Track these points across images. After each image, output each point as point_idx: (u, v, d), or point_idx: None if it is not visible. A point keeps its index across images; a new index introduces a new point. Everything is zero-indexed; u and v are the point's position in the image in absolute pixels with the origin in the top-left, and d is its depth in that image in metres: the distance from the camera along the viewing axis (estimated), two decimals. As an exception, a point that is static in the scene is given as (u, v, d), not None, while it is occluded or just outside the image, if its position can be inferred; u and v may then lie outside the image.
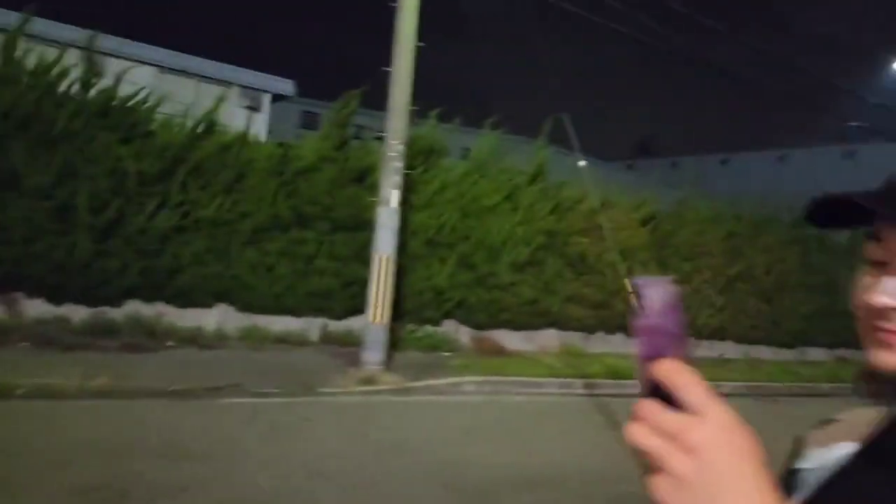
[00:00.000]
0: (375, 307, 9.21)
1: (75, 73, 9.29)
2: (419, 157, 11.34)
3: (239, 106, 17.12)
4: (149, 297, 9.51)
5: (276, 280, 10.37)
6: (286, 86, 19.22)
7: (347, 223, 10.84)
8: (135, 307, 9.45)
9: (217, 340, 9.92)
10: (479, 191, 11.95)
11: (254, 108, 17.25)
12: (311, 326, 10.81)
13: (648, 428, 0.56)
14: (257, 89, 18.36)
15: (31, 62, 8.96)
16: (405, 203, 9.84)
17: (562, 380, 10.22)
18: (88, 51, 9.45)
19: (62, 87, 9.15)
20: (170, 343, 9.35)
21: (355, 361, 9.33)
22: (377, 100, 11.51)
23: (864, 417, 0.79)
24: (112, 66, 11.18)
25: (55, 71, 9.12)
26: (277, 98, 19.26)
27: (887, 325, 0.69)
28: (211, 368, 8.42)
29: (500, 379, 9.65)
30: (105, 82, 9.56)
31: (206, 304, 10.00)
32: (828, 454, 0.78)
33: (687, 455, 0.54)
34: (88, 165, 8.91)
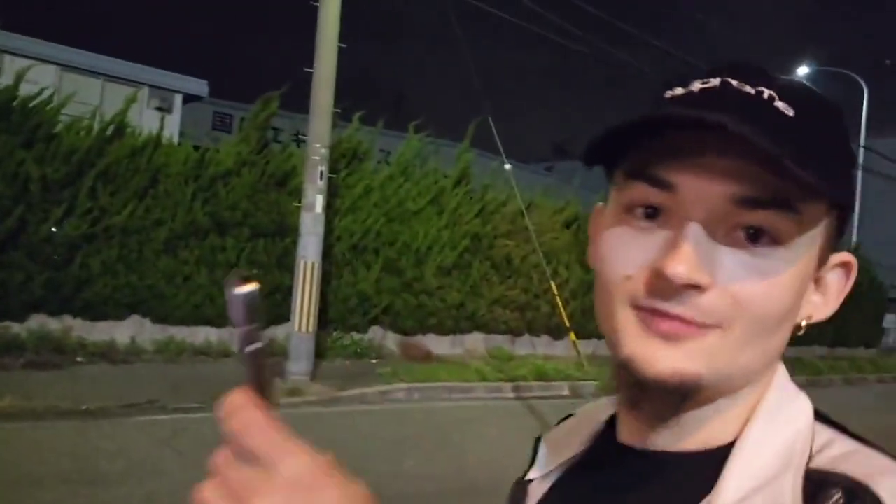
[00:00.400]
0: (301, 316, 8.95)
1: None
2: (342, 160, 11.12)
3: (149, 107, 16.43)
4: (55, 311, 8.93)
5: (193, 290, 9.93)
6: (199, 86, 18.57)
7: (268, 229, 10.52)
8: (40, 321, 8.85)
9: (131, 354, 9.42)
10: (403, 195, 11.82)
11: (164, 110, 16.58)
12: (232, 337, 10.38)
13: (217, 488, 0.43)
14: (168, 89, 17.65)
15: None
16: (329, 208, 9.61)
17: (491, 384, 10.20)
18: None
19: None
20: (79, 359, 8.81)
21: (280, 372, 9.04)
22: (293, 101, 11.27)
23: (600, 414, 0.67)
24: (9, 64, 10.50)
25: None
26: (189, 99, 18.58)
27: (670, 308, 0.51)
28: (125, 384, 7.97)
29: (429, 385, 9.54)
30: (2, 81, 8.94)
31: (119, 317, 9.48)
32: (555, 459, 0.66)
33: None
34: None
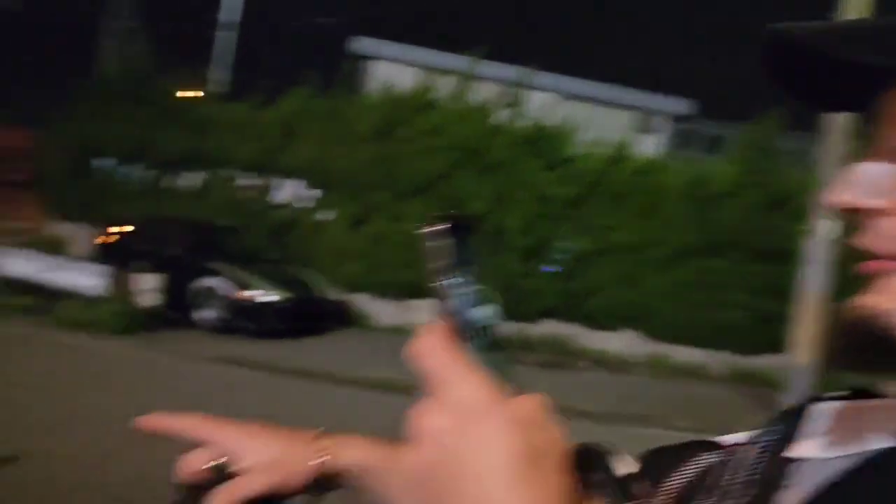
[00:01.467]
0: (803, 348, 8.41)
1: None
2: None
3: (636, 129, 17.21)
4: (563, 318, 9.94)
5: (683, 309, 10.09)
6: (681, 106, 18.81)
7: (763, 253, 10.12)
8: (550, 326, 9.94)
9: (621, 364, 9.98)
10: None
11: (651, 131, 17.19)
12: (713, 360, 10.30)
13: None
14: (653, 111, 18.24)
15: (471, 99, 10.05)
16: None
17: None
18: (519, 85, 10.25)
19: (494, 120, 10.07)
20: (581, 363, 9.65)
21: (768, 404, 8.62)
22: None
23: None
24: (527, 96, 12.02)
25: (490, 106, 10.08)
26: (677, 119, 18.93)
27: (858, 244, 0.45)
28: (624, 394, 8.46)
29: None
30: (524, 112, 10.26)
31: (613, 328, 10.12)
32: (840, 444, 0.47)
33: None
34: (519, 191, 9.64)
